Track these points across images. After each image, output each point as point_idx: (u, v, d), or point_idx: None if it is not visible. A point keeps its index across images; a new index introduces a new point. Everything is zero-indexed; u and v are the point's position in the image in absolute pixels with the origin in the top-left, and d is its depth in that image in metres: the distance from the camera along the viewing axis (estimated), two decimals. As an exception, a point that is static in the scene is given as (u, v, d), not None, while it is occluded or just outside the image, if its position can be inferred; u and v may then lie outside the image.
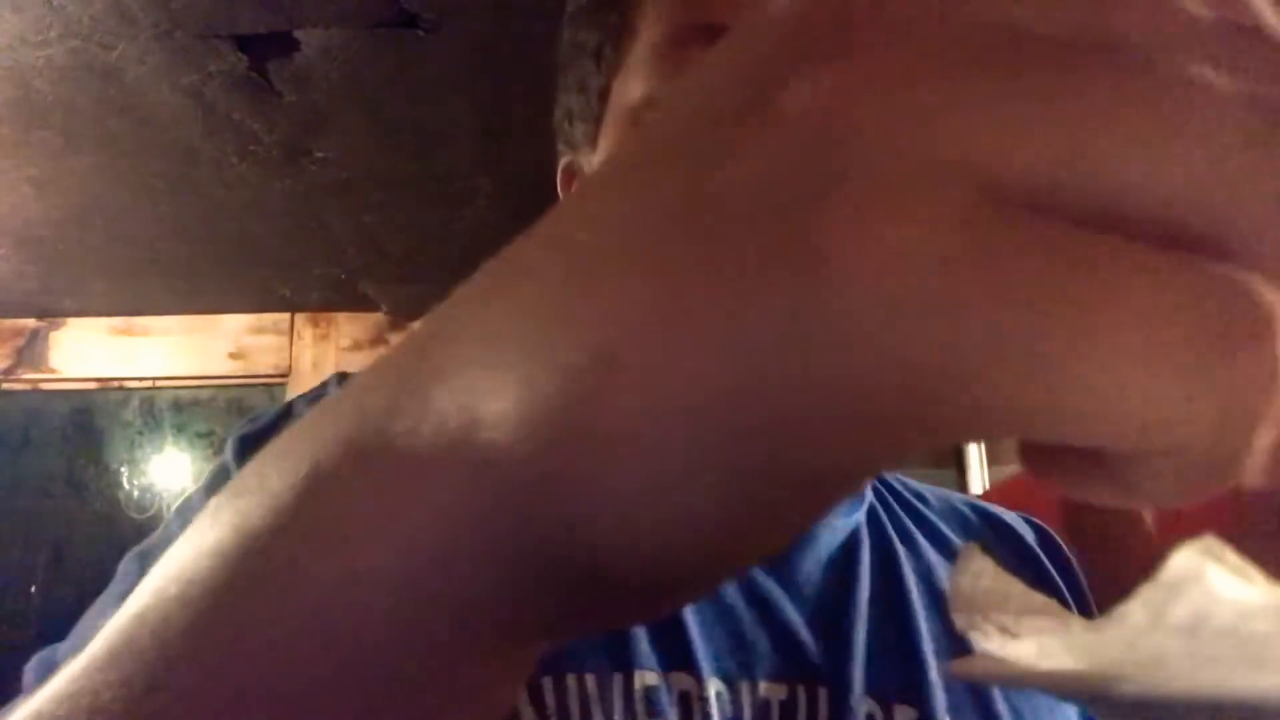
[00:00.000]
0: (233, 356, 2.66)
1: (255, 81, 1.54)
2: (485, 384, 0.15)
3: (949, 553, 0.52)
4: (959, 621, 0.19)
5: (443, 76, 1.54)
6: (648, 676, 0.41)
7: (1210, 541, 0.13)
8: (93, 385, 2.70)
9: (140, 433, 2.70)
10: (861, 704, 0.43)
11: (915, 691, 0.44)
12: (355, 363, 2.63)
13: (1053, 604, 0.19)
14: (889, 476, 0.59)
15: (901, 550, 0.51)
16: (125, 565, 0.45)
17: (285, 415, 0.51)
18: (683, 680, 0.41)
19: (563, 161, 0.54)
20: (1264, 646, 0.12)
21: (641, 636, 0.42)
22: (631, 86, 0.46)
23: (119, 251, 2.25)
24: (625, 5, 0.48)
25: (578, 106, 0.51)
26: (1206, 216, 0.12)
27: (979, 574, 0.21)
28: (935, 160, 0.12)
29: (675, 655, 0.42)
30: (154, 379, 2.68)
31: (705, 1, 0.44)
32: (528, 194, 1.98)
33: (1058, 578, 0.54)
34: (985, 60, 0.12)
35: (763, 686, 0.42)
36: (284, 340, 2.66)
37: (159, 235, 2.15)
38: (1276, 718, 0.12)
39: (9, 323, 2.67)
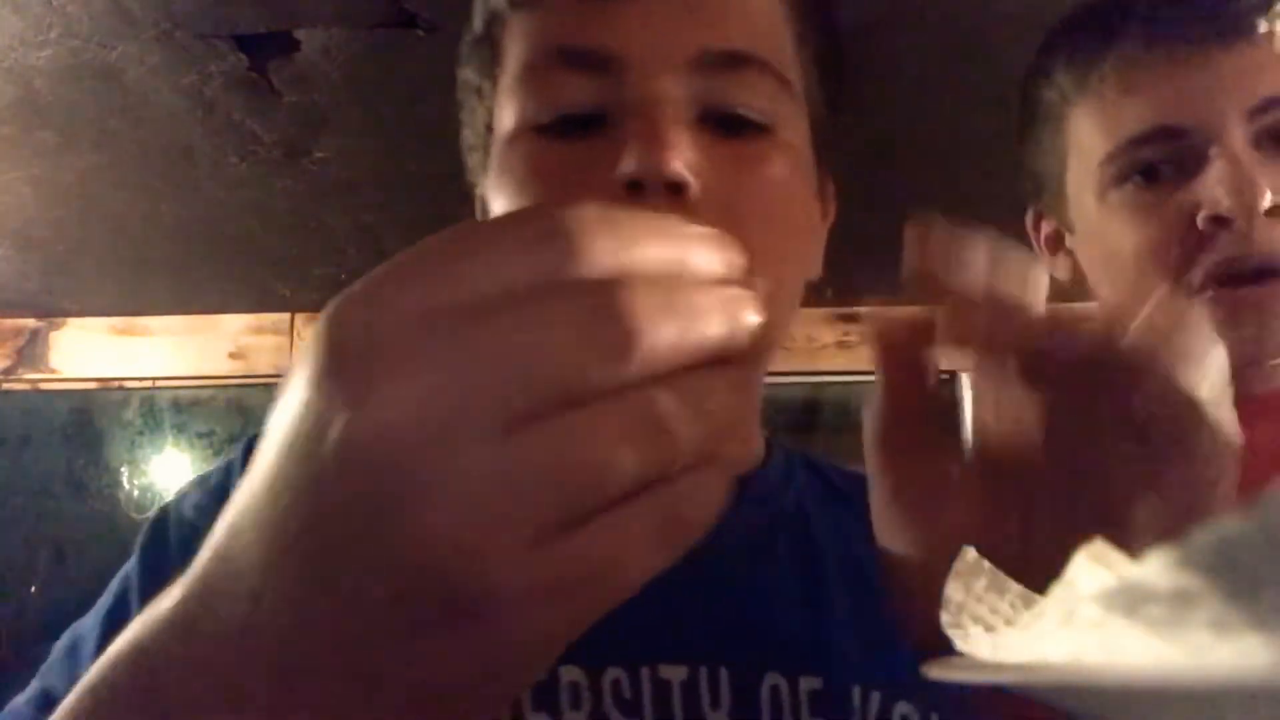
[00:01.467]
0: (233, 356, 2.66)
1: (255, 81, 1.54)
2: None
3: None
4: (945, 622, 0.19)
5: (443, 76, 1.54)
6: None
7: (1098, 545, 0.14)
8: (93, 385, 2.70)
9: (140, 433, 2.70)
10: (765, 679, 0.43)
11: (820, 661, 0.45)
12: (355, 363, 2.62)
13: (1049, 604, 0.19)
14: (822, 463, 0.59)
15: (825, 534, 0.51)
16: (61, 643, 0.47)
17: (229, 471, 0.52)
18: (571, 672, 0.42)
19: (476, 195, 0.56)
20: (1099, 633, 0.13)
21: None
22: (504, 116, 0.48)
23: (119, 251, 2.25)
24: (495, 39, 0.50)
25: (471, 139, 0.53)
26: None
27: (973, 578, 0.21)
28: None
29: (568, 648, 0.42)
30: (154, 379, 2.68)
31: (557, 27, 0.46)
32: (527, 194, 1.98)
33: None
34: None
35: (662, 669, 0.43)
36: (284, 340, 2.66)
37: (159, 235, 2.15)
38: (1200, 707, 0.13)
39: (9, 323, 2.67)
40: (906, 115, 1.72)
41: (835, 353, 2.69)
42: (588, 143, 0.44)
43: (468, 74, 0.53)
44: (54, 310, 2.62)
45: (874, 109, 1.69)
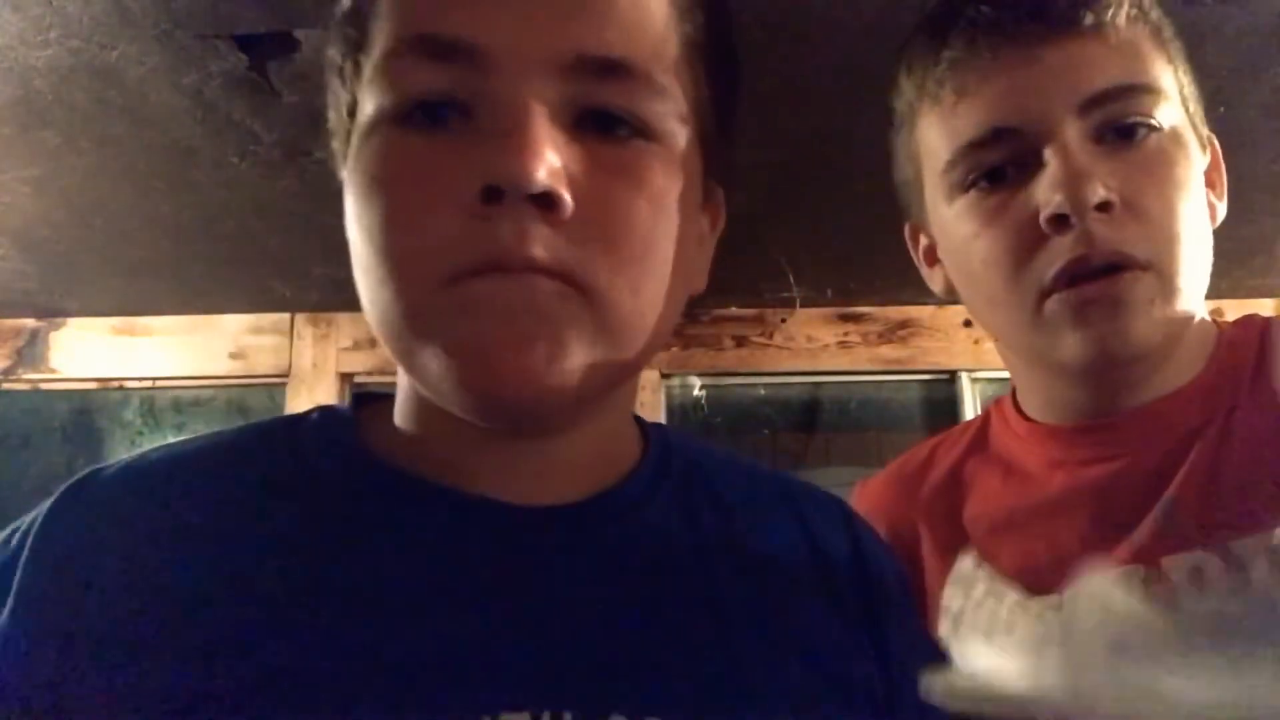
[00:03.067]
0: (233, 356, 2.66)
1: (255, 81, 1.54)
2: None
3: (759, 539, 0.51)
4: (944, 632, 0.19)
5: (442, 76, 1.54)
6: None
7: (1100, 571, 0.14)
8: (93, 385, 2.69)
9: (140, 433, 2.70)
10: None
11: (665, 700, 0.43)
12: (355, 363, 2.63)
13: (1046, 612, 0.19)
14: (718, 466, 0.56)
15: (682, 557, 0.49)
16: None
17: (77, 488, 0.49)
18: None
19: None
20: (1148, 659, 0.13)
21: (372, 692, 0.40)
22: (365, 103, 0.45)
23: (119, 251, 2.25)
24: (362, 19, 0.47)
25: (334, 123, 0.50)
26: None
27: (970, 585, 0.21)
28: None
29: (412, 700, 0.40)
30: (154, 379, 2.68)
31: (424, 13, 0.43)
32: (527, 194, 1.98)
33: (852, 563, 0.53)
34: None
35: (504, 717, 0.41)
36: (284, 340, 2.66)
37: (159, 235, 2.14)
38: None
39: (9, 323, 2.67)
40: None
41: (835, 353, 2.69)
42: (447, 138, 0.42)
43: (332, 51, 0.49)
44: (54, 310, 2.62)
45: (873, 113, 1.69)
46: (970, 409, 2.72)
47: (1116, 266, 0.60)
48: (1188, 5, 1.38)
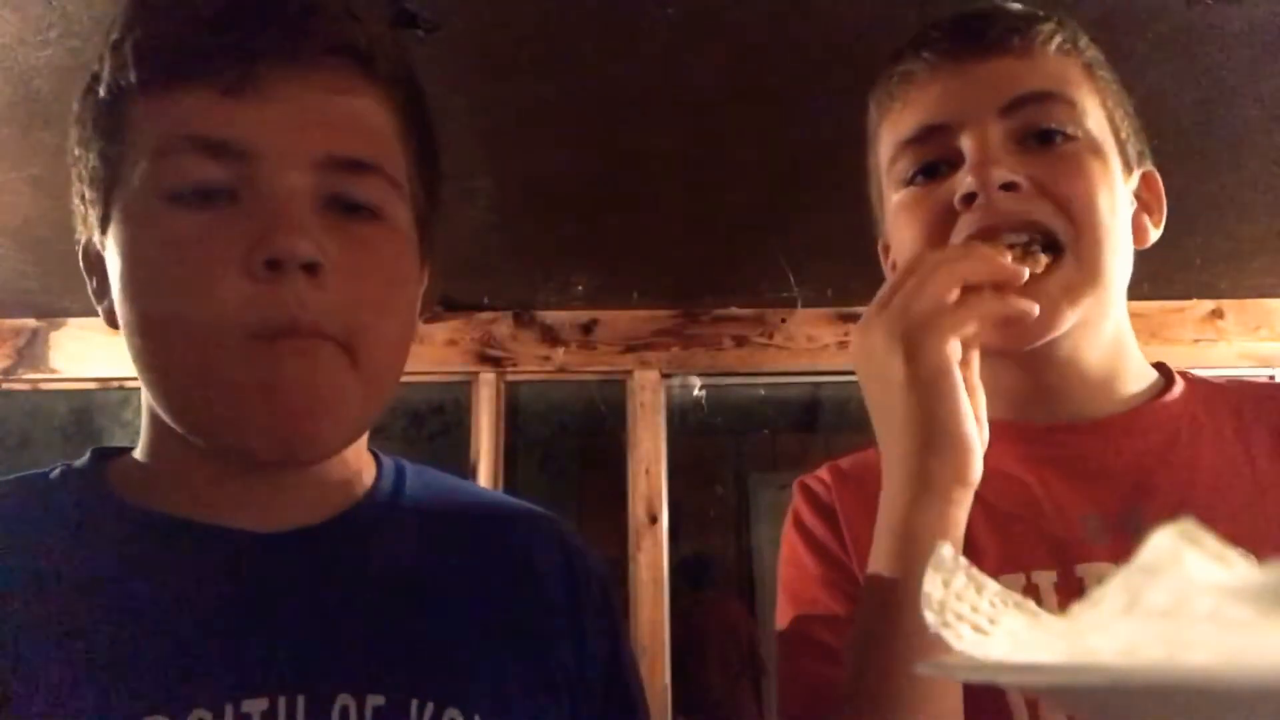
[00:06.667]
0: (233, 356, 2.66)
1: (255, 81, 1.55)
2: None
3: (475, 551, 0.62)
4: (930, 621, 0.19)
5: (443, 76, 1.54)
6: None
7: (1188, 524, 0.13)
8: (93, 385, 2.70)
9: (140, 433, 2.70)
10: (337, 700, 0.50)
11: (383, 679, 0.52)
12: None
13: (1027, 602, 0.19)
14: (433, 479, 0.68)
15: (387, 554, 0.59)
16: None
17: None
18: None
19: (82, 241, 0.59)
20: (1243, 631, 0.12)
21: (116, 689, 0.47)
22: (133, 179, 0.53)
23: (119, 251, 2.25)
24: (122, 111, 0.54)
25: (90, 194, 0.57)
26: None
27: (950, 574, 0.21)
28: None
29: (149, 700, 0.47)
30: (154, 379, 2.67)
31: (193, 118, 0.51)
32: (528, 194, 1.98)
33: (565, 575, 0.65)
34: None
35: (245, 703, 0.48)
36: (284, 340, 2.66)
37: (159, 235, 2.15)
38: (1248, 707, 0.12)
39: (9, 323, 2.67)
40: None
41: (835, 353, 2.69)
42: (218, 214, 0.51)
43: (91, 135, 0.56)
44: (54, 310, 2.62)
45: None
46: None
47: (1008, 233, 0.64)
48: (1188, 5, 1.38)
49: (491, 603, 0.60)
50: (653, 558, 2.54)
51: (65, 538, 0.54)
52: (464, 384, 2.69)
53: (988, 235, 0.64)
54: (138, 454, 0.60)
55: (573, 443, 3.02)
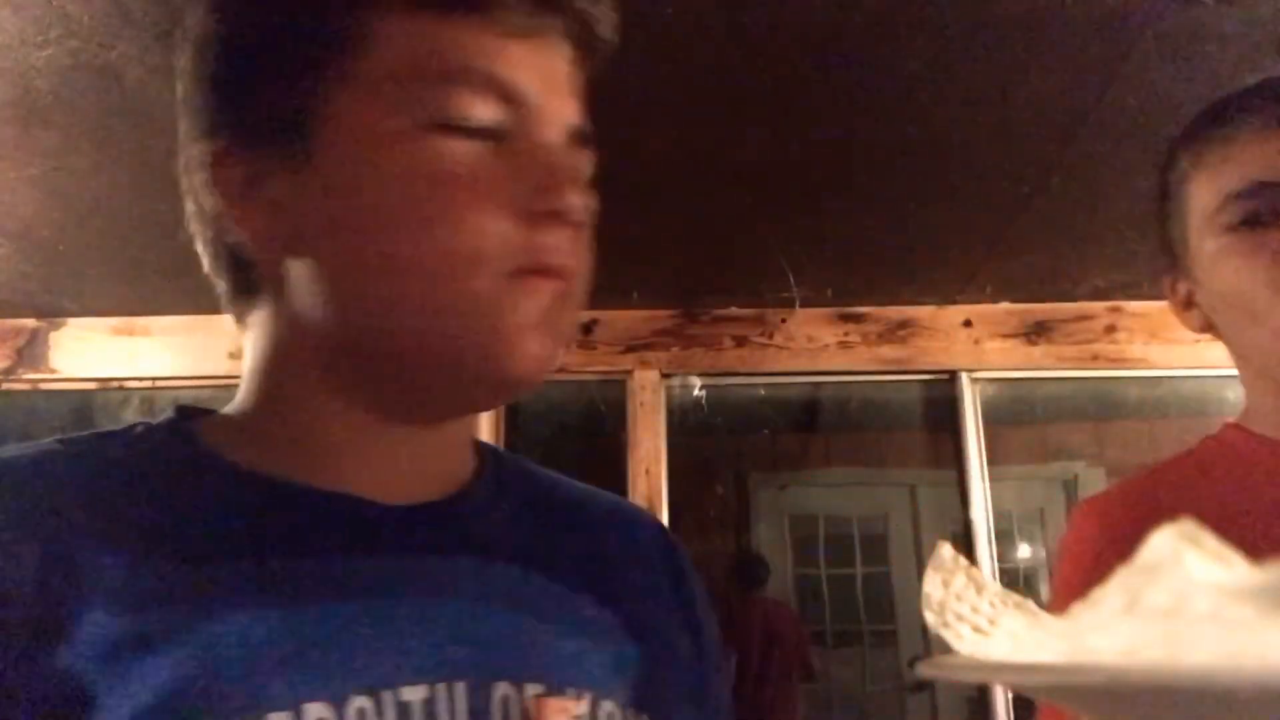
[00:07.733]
0: (233, 356, 2.65)
1: (255, 81, 1.55)
2: None
3: (594, 538, 0.62)
4: (931, 622, 0.19)
5: (442, 76, 1.54)
6: (275, 717, 0.43)
7: (1188, 525, 0.13)
8: (93, 385, 2.70)
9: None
10: (496, 689, 0.49)
11: (541, 668, 0.51)
12: (355, 363, 2.63)
13: (1027, 602, 0.19)
14: (542, 475, 0.66)
15: (533, 547, 0.57)
16: None
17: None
18: (317, 709, 0.44)
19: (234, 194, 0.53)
20: (1245, 631, 0.12)
21: (274, 673, 0.44)
22: (373, 105, 0.50)
23: (119, 251, 2.25)
24: (364, 31, 0.51)
25: (271, 127, 0.52)
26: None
27: (950, 575, 0.21)
28: None
29: (309, 686, 0.45)
30: (154, 379, 2.68)
31: (485, 56, 0.51)
32: (527, 194, 1.98)
33: (671, 570, 0.64)
34: None
35: (403, 691, 0.47)
36: (284, 340, 2.66)
37: (159, 235, 2.15)
38: (1248, 707, 0.12)
39: (9, 323, 2.67)
40: (904, 119, 1.72)
41: (835, 353, 2.69)
42: (486, 153, 0.51)
43: (283, 41, 0.52)
44: (54, 310, 2.62)
45: (872, 113, 1.69)
46: (969, 408, 2.72)
47: None
48: (1188, 5, 1.38)
49: (616, 593, 0.58)
50: (653, 558, 2.53)
51: (167, 496, 0.50)
52: (464, 384, 2.69)
53: None
54: (235, 412, 0.57)
55: (573, 443, 3.02)
